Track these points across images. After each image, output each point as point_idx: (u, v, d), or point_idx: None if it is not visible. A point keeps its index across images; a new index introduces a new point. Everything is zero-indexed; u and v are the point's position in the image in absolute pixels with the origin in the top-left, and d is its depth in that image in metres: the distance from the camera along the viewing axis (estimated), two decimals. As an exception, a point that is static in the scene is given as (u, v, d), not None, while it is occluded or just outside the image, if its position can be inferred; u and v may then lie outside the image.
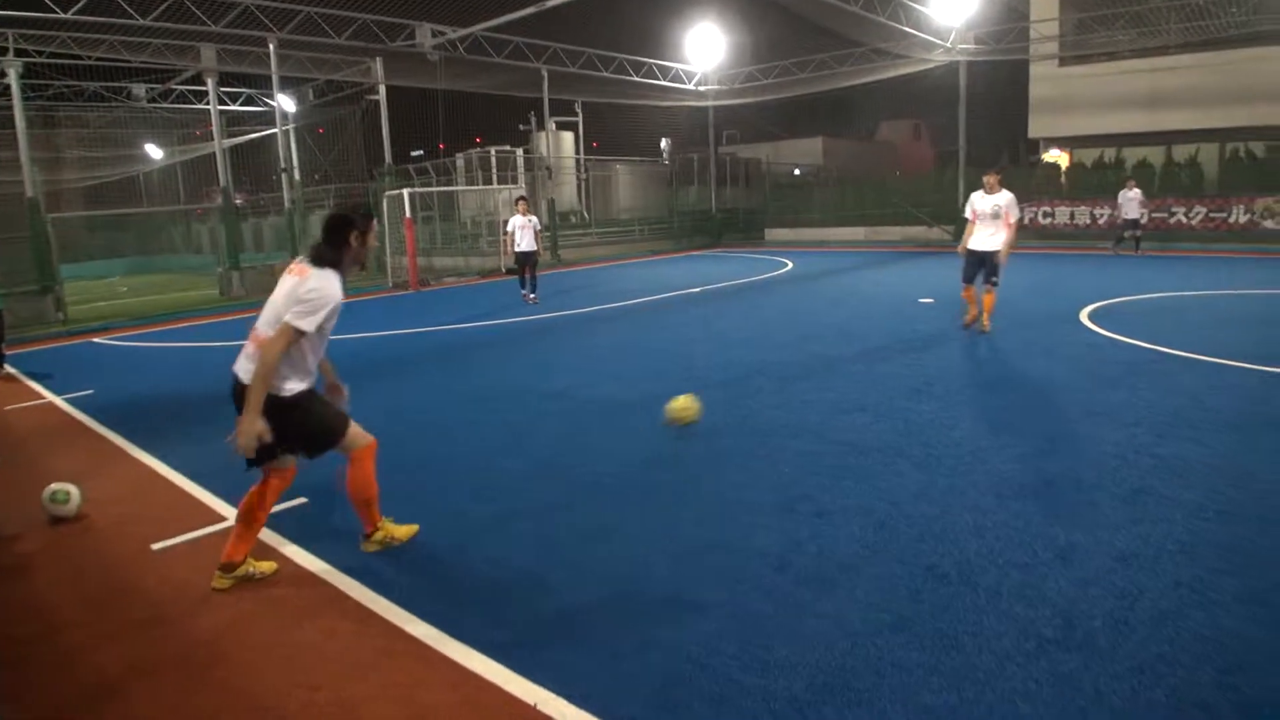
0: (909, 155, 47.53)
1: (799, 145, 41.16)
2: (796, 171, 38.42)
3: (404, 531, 4.40)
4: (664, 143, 33.20)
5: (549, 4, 19.33)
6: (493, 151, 26.33)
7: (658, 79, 27.39)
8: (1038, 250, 21.00)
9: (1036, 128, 26.75)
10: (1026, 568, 3.78)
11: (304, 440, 3.92)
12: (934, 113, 40.55)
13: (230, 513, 4.79)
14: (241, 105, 27.34)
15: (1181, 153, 24.80)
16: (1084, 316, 10.58)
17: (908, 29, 22.69)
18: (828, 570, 3.83)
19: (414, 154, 32.07)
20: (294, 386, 3.79)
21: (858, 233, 27.98)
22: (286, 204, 20.14)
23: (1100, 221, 23.28)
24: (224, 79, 22.63)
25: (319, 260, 3.80)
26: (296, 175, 22.83)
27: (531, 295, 14.60)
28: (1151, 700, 2.80)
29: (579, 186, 30.07)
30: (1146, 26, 23.57)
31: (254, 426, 3.57)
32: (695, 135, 33.12)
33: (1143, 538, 4.05)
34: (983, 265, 9.46)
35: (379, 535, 4.29)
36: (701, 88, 28.85)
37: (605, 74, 25.60)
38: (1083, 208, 23.65)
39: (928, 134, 48.69)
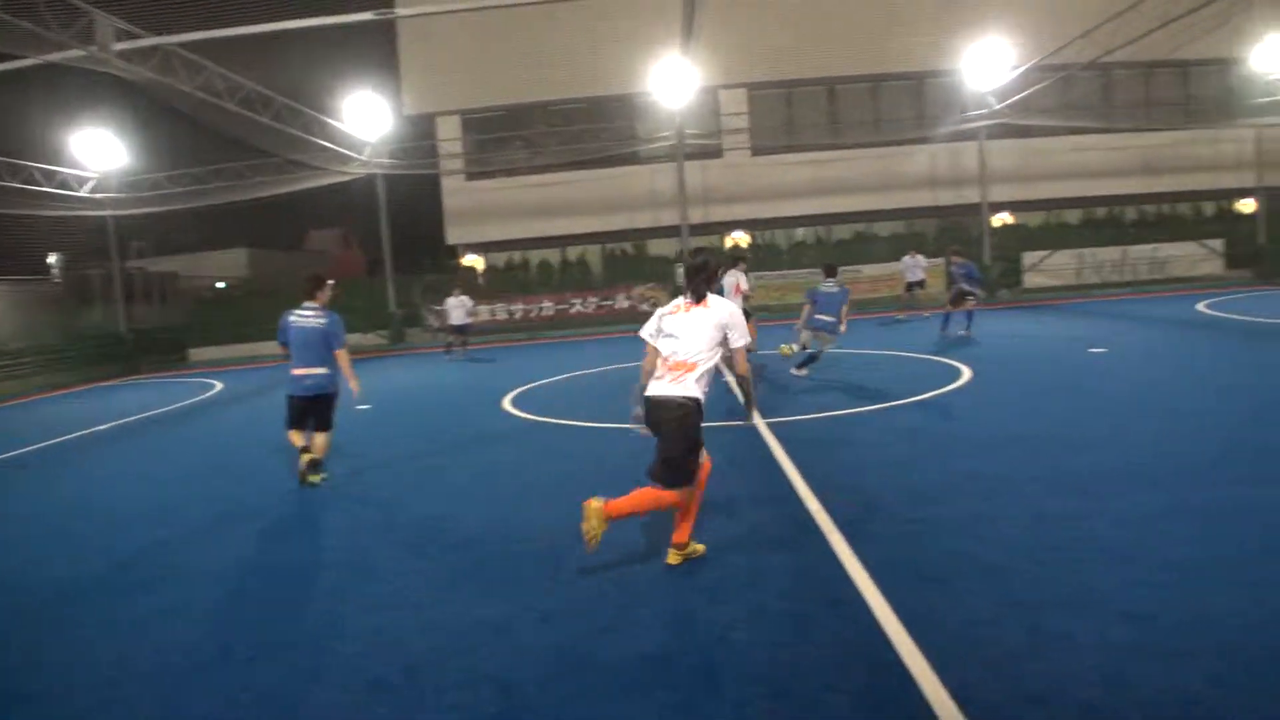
0: (341, 263, 47.90)
1: (221, 257, 38.91)
2: (220, 285, 36.18)
3: (701, 549, 4.97)
4: (52, 258, 28.74)
5: None
6: None
7: (41, 184, 23.71)
8: (471, 346, 22.56)
9: (453, 235, 29.05)
10: (468, 652, 3.89)
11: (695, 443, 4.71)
12: (361, 221, 41.59)
13: None
14: None
15: (573, 253, 29.04)
16: (505, 403, 11.59)
17: (323, 142, 23.09)
18: (270, 718, 3.51)
19: None
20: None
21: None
22: None
23: (515, 316, 26.04)
24: None
25: (703, 296, 4.76)
26: None
27: None
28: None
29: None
30: (535, 148, 27.39)
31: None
32: (94, 249, 29.26)
33: (564, 595, 4.46)
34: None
35: (689, 550, 4.88)
36: (97, 195, 25.72)
37: (-36, 179, 21.41)
38: (500, 304, 26.20)
39: (357, 241, 49.71)
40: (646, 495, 4.73)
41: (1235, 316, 15.78)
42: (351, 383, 7.49)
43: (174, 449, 10.55)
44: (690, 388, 4.63)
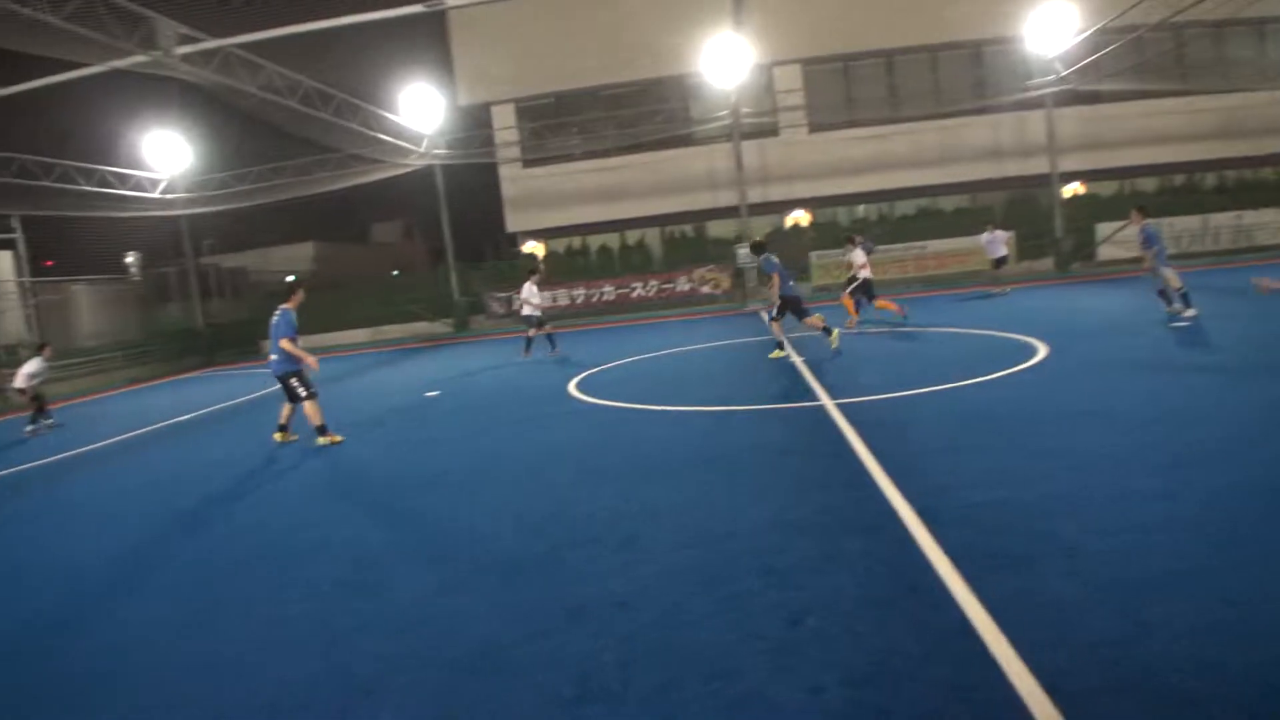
0: (404, 254, 48.72)
1: (289, 251, 39.88)
2: (289, 278, 37.07)
3: None
4: (130, 257, 29.74)
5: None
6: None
7: (116, 188, 24.57)
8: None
9: (513, 223, 29.23)
10: (543, 636, 3.91)
11: None
12: (422, 212, 42.10)
13: None
14: None
15: (633, 237, 28.97)
16: (571, 388, 11.64)
17: (382, 136, 23.43)
18: (350, 699, 3.56)
19: None
20: None
21: (360, 335, 27.71)
22: None
23: (577, 301, 26.07)
24: None
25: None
26: None
27: None
28: (659, 729, 3.04)
29: (28, 314, 25.54)
30: (590, 134, 27.36)
31: None
32: (169, 247, 30.24)
33: (637, 579, 4.45)
34: None
35: None
36: (169, 195, 26.52)
37: (46, 183, 22.25)
38: (562, 290, 26.31)
39: (419, 232, 50.42)
40: None
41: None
42: (307, 360, 9.32)
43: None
44: None
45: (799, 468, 6.25)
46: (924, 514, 4.87)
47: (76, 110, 22.68)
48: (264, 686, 3.75)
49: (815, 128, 27.66)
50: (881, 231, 26.43)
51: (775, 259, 12.28)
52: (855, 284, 14.59)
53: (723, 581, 4.29)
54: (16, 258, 25.11)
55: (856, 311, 14.63)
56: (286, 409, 9.70)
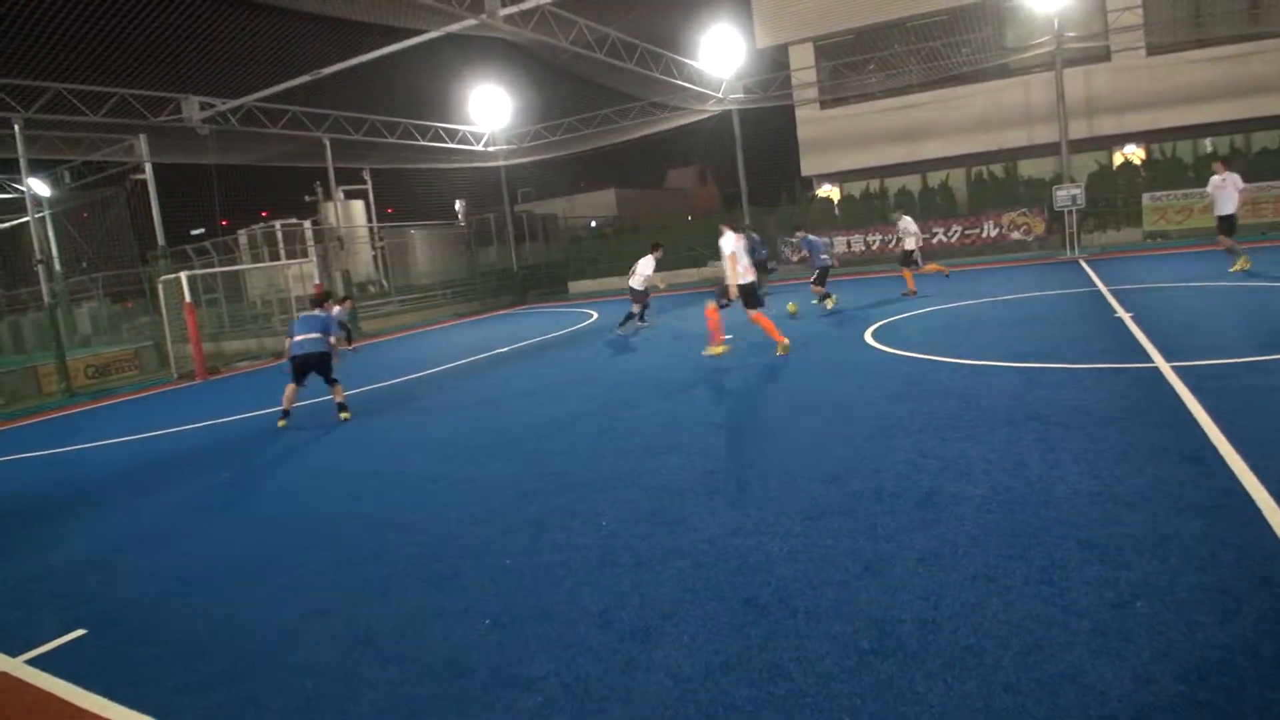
0: (698, 199, 49.67)
1: (593, 198, 42.15)
2: (593, 224, 39.27)
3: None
4: (459, 204, 33.02)
5: (324, 72, 18.91)
6: (278, 225, 25.21)
7: (445, 142, 27.33)
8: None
9: (808, 166, 28.66)
10: (839, 585, 3.92)
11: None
12: (717, 157, 42.62)
13: None
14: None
15: (934, 179, 27.35)
16: (868, 336, 11.33)
17: (682, 83, 23.89)
18: (652, 619, 3.81)
19: (194, 233, 30.12)
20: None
21: (656, 278, 28.67)
22: (46, 298, 18.31)
23: (874, 246, 25.20)
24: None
25: None
26: (57, 265, 20.90)
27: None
28: (964, 692, 2.95)
29: (375, 255, 29.34)
30: (891, 70, 26.06)
31: None
32: (490, 195, 33.20)
33: (939, 538, 4.31)
34: None
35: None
36: (490, 148, 29.01)
37: (391, 139, 25.28)
38: (857, 235, 25.56)
39: (713, 177, 51.10)
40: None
41: None
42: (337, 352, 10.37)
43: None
44: None
45: (1126, 435, 5.67)
46: (1287, 499, 4.24)
47: (415, 74, 25.43)
48: (579, 595, 4.11)
49: (1154, 49, 24.26)
50: (1239, 170, 22.78)
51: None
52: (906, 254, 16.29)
53: (1037, 551, 4.02)
54: (367, 206, 28.77)
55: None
56: (338, 390, 10.08)
